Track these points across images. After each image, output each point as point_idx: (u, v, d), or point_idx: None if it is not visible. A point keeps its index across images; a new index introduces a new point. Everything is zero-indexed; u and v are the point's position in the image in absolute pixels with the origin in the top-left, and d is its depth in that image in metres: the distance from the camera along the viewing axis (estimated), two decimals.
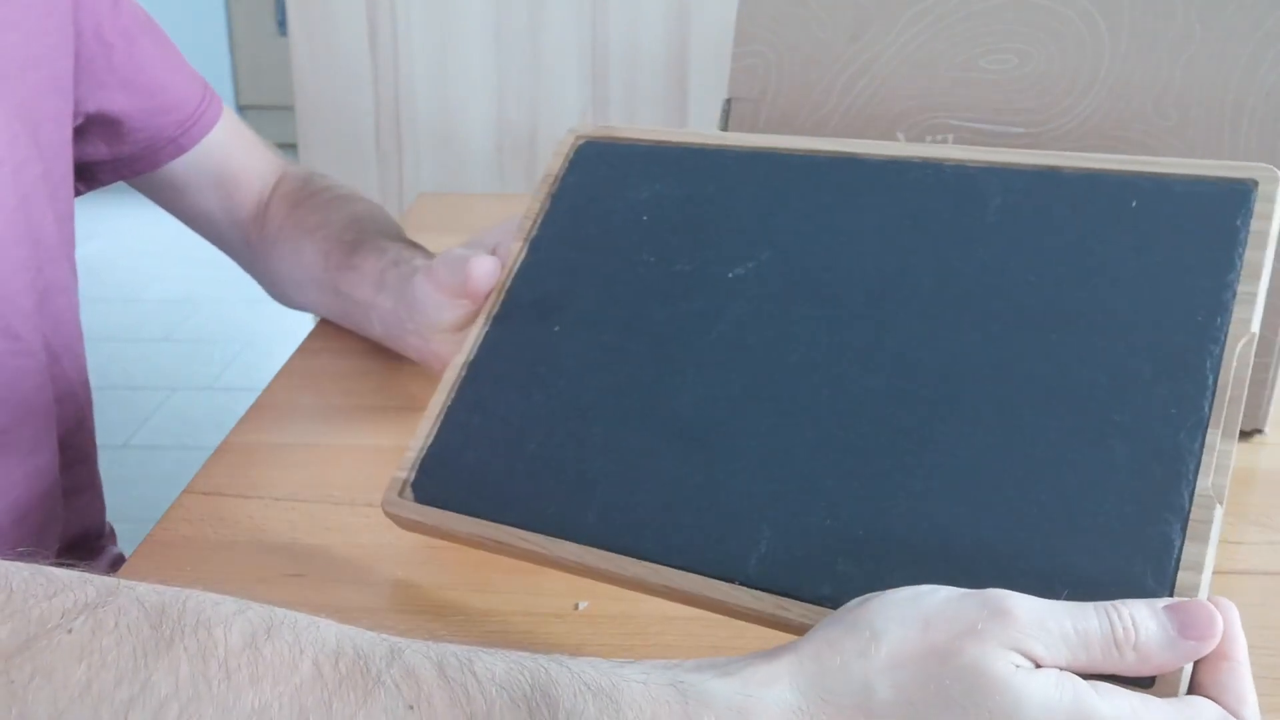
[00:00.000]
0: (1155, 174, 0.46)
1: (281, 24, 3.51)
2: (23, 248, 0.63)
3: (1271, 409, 0.66)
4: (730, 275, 0.51)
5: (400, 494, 0.51)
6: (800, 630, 0.44)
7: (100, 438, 0.78)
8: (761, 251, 0.51)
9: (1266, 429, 0.66)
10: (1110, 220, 0.46)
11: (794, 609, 0.43)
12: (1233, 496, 0.60)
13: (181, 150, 0.80)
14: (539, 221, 0.57)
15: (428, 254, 0.72)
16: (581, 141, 0.59)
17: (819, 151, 0.53)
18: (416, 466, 0.51)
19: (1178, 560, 0.39)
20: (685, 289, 0.52)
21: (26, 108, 0.64)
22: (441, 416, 0.52)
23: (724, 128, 0.71)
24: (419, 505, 0.50)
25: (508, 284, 0.56)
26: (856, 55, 0.67)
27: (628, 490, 0.48)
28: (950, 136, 0.65)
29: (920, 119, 0.66)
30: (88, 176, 0.78)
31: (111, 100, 0.74)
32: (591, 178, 0.57)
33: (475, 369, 0.53)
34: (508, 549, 0.49)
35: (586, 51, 1.46)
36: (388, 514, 0.51)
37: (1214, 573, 0.53)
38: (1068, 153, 0.48)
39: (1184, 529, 0.39)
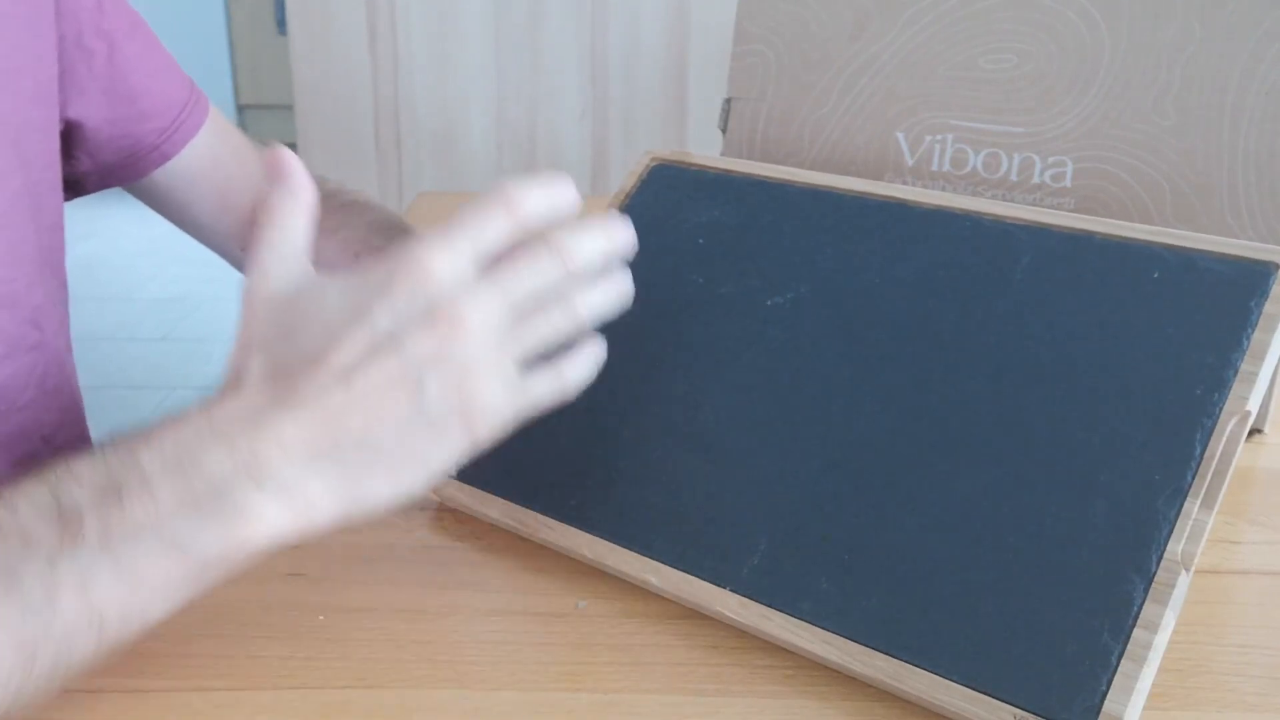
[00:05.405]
0: (1182, 248, 0.47)
1: (281, 23, 3.50)
2: (4, 262, 0.63)
3: (1271, 409, 0.66)
4: (769, 303, 0.54)
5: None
6: (779, 643, 0.45)
7: (98, 437, 0.78)
8: (801, 284, 0.53)
9: (1266, 429, 0.66)
10: (1131, 289, 0.47)
11: (775, 619, 0.45)
12: (1232, 496, 0.60)
13: (166, 157, 0.78)
14: None
15: None
16: (655, 164, 0.62)
17: (871, 194, 0.55)
18: None
19: (1135, 619, 0.41)
20: (725, 312, 0.54)
21: (9, 121, 0.63)
22: None
23: (724, 128, 0.71)
24: (459, 483, 0.54)
25: None
26: (856, 55, 0.67)
27: (646, 491, 0.51)
28: (950, 136, 0.65)
29: (920, 119, 0.66)
30: (74, 186, 0.77)
31: (91, 107, 0.72)
32: (658, 199, 0.60)
33: None
34: (529, 532, 0.52)
35: (586, 51, 1.46)
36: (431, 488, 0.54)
37: (1214, 572, 0.53)
38: (1102, 218, 0.49)
39: (1147, 590, 0.41)
